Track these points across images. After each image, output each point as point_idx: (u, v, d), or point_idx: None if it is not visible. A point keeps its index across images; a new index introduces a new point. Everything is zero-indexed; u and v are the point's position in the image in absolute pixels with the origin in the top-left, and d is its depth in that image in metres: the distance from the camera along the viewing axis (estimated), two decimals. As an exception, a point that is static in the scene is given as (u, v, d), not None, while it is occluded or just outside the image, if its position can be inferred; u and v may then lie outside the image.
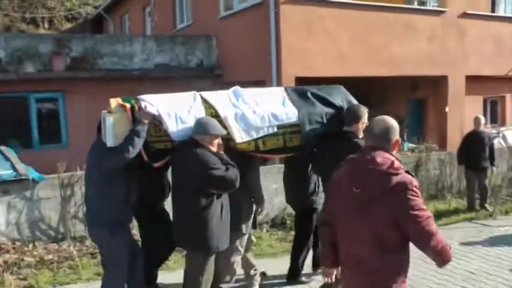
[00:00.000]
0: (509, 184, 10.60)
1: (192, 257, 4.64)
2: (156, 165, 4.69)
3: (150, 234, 5.27)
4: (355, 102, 5.32)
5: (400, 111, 13.69)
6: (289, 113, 5.02)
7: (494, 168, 9.64)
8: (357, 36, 11.89)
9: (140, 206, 4.94)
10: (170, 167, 4.73)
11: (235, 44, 12.84)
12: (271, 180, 8.53)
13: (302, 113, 5.04)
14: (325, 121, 5.13)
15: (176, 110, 4.60)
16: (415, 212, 2.87)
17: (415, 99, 14.82)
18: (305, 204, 5.78)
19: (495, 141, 10.85)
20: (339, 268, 3.33)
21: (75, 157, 6.91)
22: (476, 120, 9.52)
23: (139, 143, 4.37)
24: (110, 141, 4.40)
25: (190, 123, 4.57)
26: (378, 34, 12.17)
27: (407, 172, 2.99)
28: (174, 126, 4.54)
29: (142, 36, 16.06)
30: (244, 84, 11.30)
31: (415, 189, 2.92)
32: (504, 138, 13.93)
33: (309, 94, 5.27)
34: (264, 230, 8.29)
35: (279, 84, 11.00)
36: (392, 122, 3.14)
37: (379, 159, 2.99)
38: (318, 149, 5.24)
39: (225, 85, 13.17)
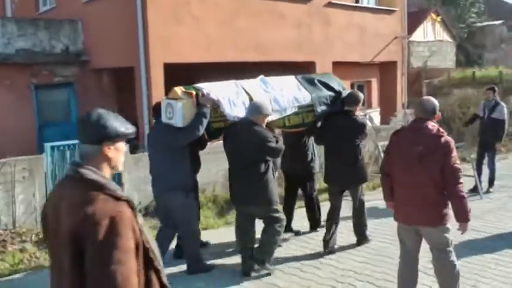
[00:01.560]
0: (375, 162, 11.39)
1: (257, 211, 5.88)
2: (212, 141, 6.16)
3: None
4: (345, 87, 7.03)
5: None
6: (305, 96, 6.46)
7: None
8: (224, 22, 12.07)
9: None
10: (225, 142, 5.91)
11: (101, 29, 12.55)
12: (144, 170, 8.70)
13: (314, 96, 6.51)
14: (329, 102, 6.66)
15: (228, 96, 5.81)
16: (452, 165, 4.40)
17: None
18: (307, 170, 7.21)
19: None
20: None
21: None
22: None
23: (205, 123, 5.50)
24: (179, 122, 5.44)
25: (240, 105, 5.81)
26: (245, 20, 12.43)
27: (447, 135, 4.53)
28: (228, 109, 5.73)
29: (1, 18, 15.28)
30: (114, 71, 11.15)
31: (453, 146, 4.47)
32: (371, 119, 14.95)
33: (316, 81, 6.77)
34: None
35: (147, 70, 11.01)
36: (436, 102, 4.69)
37: (430, 126, 4.53)
38: (323, 124, 6.72)
39: (92, 72, 13.21)
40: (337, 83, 6.95)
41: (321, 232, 7.01)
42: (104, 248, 2.20)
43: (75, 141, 8.28)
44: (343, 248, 6.81)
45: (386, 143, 5.53)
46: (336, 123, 6.52)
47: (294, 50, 13.59)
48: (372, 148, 11.73)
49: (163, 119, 5.69)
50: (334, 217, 6.73)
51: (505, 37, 34.43)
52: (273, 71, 13.97)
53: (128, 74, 11.66)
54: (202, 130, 5.48)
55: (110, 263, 2.18)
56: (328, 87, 6.80)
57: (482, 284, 5.66)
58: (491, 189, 10.14)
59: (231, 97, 5.83)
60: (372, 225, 7.66)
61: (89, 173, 2.38)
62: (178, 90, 5.60)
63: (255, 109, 5.69)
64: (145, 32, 10.97)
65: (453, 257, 4.68)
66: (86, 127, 2.47)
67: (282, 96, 6.25)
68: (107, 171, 2.48)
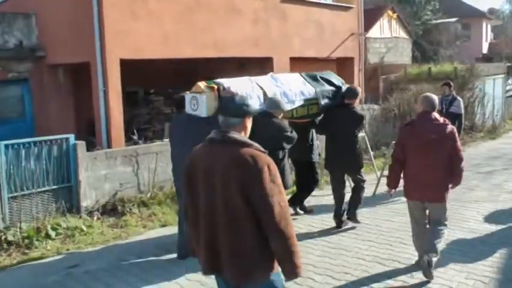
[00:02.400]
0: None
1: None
2: None
3: None
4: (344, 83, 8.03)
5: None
6: (310, 90, 7.39)
7: None
8: (181, 18, 12.13)
9: None
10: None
11: (56, 23, 12.44)
12: (102, 167, 8.80)
13: (317, 91, 7.44)
14: (331, 96, 7.59)
15: (246, 90, 6.60)
16: (458, 148, 5.68)
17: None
18: (309, 158, 8.24)
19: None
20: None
21: None
22: None
23: None
24: (204, 112, 6.22)
25: (255, 98, 6.65)
26: (202, 16, 12.51)
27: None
28: None
29: (-49, 13, 14.99)
30: (70, 66, 11.04)
31: (456, 133, 5.72)
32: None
33: (318, 77, 7.72)
34: (95, 218, 8.43)
35: (103, 66, 10.99)
36: (436, 98, 5.91)
37: (437, 117, 5.69)
38: (325, 116, 7.68)
39: (48, 68, 13.09)
40: (336, 80, 7.98)
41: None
42: (268, 185, 3.17)
43: (31, 139, 8.29)
44: (301, 244, 7.02)
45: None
46: (337, 115, 7.49)
47: (251, 46, 13.77)
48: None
49: (188, 110, 6.49)
50: (338, 195, 7.75)
51: (460, 34, 35.42)
52: (226, 67, 14.24)
53: (84, 70, 11.63)
54: None
55: (274, 195, 3.18)
56: (330, 83, 7.77)
57: (438, 272, 5.94)
58: None
59: (248, 91, 6.67)
60: (327, 219, 7.97)
61: (238, 136, 3.34)
62: (202, 84, 6.41)
63: (274, 104, 6.75)
64: (101, 27, 10.93)
65: (446, 230, 5.94)
66: (234, 105, 3.45)
67: (290, 91, 7.15)
68: (244, 136, 3.41)
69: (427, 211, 6.04)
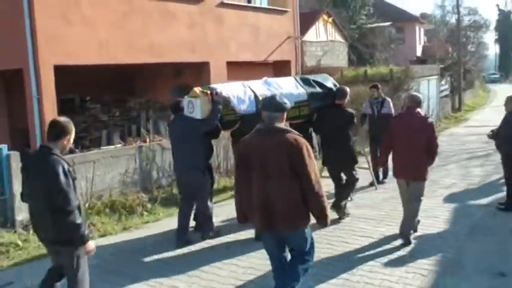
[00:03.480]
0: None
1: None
2: (224, 131, 7.96)
3: None
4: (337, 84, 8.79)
5: (165, 98, 14.39)
6: (301, 93, 8.15)
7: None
8: (116, 23, 12.13)
9: None
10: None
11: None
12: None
13: (309, 94, 8.20)
14: (322, 97, 8.27)
15: (237, 93, 7.53)
16: (434, 136, 7.17)
17: (179, 85, 15.58)
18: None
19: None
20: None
21: None
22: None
23: (218, 115, 7.25)
24: (198, 115, 7.23)
25: (247, 101, 7.53)
26: (137, 21, 12.56)
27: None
28: (237, 104, 7.47)
29: None
30: (2, 73, 10.62)
31: (433, 125, 7.26)
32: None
33: (311, 81, 8.49)
34: (31, 232, 7.90)
35: (37, 73, 10.87)
36: (420, 96, 7.63)
37: (419, 111, 7.18)
38: (318, 117, 8.34)
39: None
40: (330, 82, 8.74)
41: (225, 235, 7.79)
42: (307, 159, 4.61)
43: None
44: (243, 248, 7.18)
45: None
46: (328, 115, 8.17)
47: (187, 50, 13.89)
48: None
49: (186, 113, 7.46)
50: (339, 188, 8.40)
51: (394, 38, 36.59)
52: (164, 73, 14.28)
53: (16, 77, 11.48)
54: (216, 120, 7.27)
55: (310, 165, 4.63)
56: (323, 86, 8.49)
57: (378, 267, 6.28)
58: (385, 180, 10.99)
59: (240, 94, 7.54)
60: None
61: (281, 125, 4.74)
62: (197, 90, 7.39)
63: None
64: (33, 32, 10.82)
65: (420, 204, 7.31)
66: (275, 102, 4.79)
67: (281, 94, 7.47)
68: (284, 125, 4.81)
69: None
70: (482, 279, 5.91)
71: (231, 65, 15.23)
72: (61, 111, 11.60)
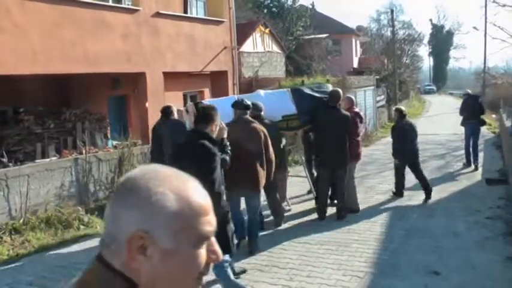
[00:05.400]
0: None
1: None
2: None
3: None
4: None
5: (102, 109, 14.40)
6: (291, 109, 9.28)
7: None
8: (49, 32, 11.93)
9: None
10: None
11: None
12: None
13: (298, 110, 9.25)
14: (312, 111, 9.04)
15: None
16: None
17: (116, 96, 15.67)
18: (309, 156, 10.93)
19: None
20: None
21: None
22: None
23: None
24: (187, 125, 8.56)
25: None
26: (71, 30, 12.41)
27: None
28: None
29: None
30: None
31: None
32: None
33: (304, 93, 9.49)
34: None
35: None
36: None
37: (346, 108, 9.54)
38: (314, 120, 9.10)
39: None
40: (326, 87, 9.90)
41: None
42: (267, 141, 7.38)
43: None
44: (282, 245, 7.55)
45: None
46: (324, 117, 8.91)
47: (123, 61, 13.87)
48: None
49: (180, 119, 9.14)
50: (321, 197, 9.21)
51: (331, 49, 37.59)
52: (100, 83, 14.27)
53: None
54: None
55: (268, 147, 7.41)
56: (319, 92, 9.58)
57: (316, 272, 6.60)
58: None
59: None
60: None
61: (249, 118, 7.55)
62: (191, 105, 9.24)
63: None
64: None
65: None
66: (244, 104, 7.63)
67: (272, 108, 8.85)
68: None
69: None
70: (417, 278, 6.30)
71: (168, 75, 15.36)
72: (-8, 124, 11.48)
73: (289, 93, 9.58)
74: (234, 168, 6.29)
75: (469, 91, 16.32)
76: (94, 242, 8.46)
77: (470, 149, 14.29)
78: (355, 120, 9.31)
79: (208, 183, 5.04)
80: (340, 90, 9.48)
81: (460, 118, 14.72)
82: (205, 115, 5.74)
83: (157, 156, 8.72)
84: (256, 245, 7.45)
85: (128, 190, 1.19)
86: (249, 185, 7.15)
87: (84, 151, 11.30)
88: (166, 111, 9.08)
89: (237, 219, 7.09)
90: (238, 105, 7.67)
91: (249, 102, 7.73)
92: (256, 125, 7.49)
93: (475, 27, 52.91)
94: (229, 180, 6.11)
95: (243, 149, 6.94)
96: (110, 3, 14.39)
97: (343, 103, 9.49)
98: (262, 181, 7.24)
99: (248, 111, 7.66)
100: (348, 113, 9.20)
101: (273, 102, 9.20)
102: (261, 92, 9.98)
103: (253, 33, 24.62)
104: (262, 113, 8.49)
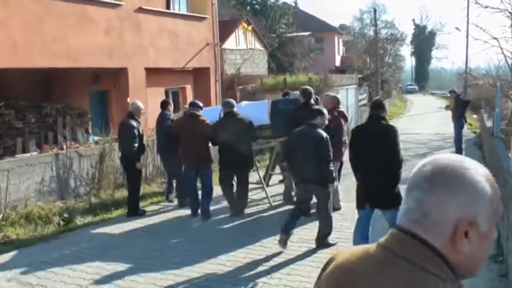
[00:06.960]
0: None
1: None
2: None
3: None
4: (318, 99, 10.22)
5: (83, 104, 14.38)
6: (265, 119, 9.97)
7: None
8: (31, 26, 11.87)
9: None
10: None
11: None
12: None
13: (271, 121, 9.92)
14: (285, 119, 9.16)
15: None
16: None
17: (98, 91, 15.63)
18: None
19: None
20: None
21: None
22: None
23: None
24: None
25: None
26: (53, 24, 12.38)
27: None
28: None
29: None
30: None
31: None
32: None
33: (280, 108, 9.91)
34: None
35: None
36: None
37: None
38: (288, 122, 8.92)
39: None
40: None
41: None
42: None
43: None
44: (164, 256, 7.38)
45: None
46: (296, 116, 8.62)
47: (105, 56, 13.88)
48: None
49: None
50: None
51: (313, 47, 37.83)
52: (82, 78, 14.26)
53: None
54: None
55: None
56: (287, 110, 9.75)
57: (296, 270, 6.65)
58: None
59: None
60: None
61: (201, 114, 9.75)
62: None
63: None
64: None
65: None
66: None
67: (250, 117, 9.46)
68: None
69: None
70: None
71: (150, 71, 15.41)
72: (-29, 118, 11.43)
73: (269, 105, 10.19)
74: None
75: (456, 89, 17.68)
76: (74, 238, 8.51)
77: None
78: (339, 120, 9.40)
79: None
80: (310, 87, 9.90)
81: (444, 117, 15.41)
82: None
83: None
84: None
85: (453, 178, 1.35)
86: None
87: (65, 146, 11.33)
88: (164, 103, 11.11)
89: None
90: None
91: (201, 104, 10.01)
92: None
93: (457, 28, 53.94)
94: None
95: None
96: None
97: (329, 103, 9.61)
98: None
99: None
100: (321, 108, 8.83)
101: (251, 111, 9.95)
102: (242, 103, 11.20)
103: (236, 30, 24.73)
104: (235, 109, 9.46)
